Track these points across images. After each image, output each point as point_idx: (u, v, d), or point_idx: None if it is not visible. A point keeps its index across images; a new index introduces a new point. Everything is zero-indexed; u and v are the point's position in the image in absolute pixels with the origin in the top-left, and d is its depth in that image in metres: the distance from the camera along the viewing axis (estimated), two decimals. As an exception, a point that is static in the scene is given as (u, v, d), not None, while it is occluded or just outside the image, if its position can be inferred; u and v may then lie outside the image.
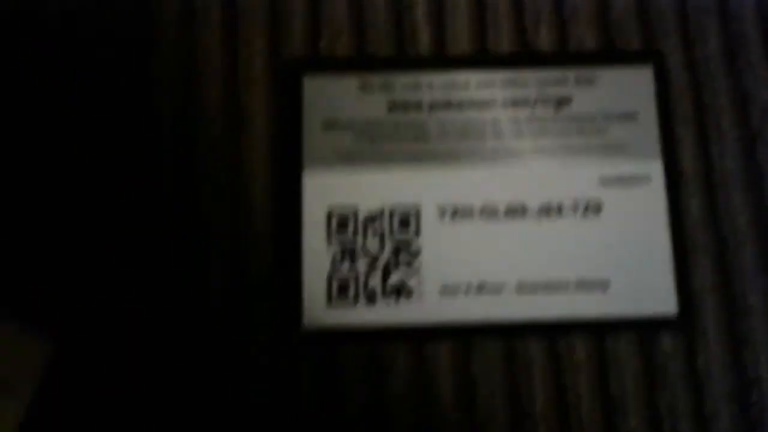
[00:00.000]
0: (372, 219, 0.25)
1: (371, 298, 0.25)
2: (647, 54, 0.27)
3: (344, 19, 0.27)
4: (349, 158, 0.26)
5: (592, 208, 0.26)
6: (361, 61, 0.27)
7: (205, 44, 0.27)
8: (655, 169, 0.26)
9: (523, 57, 0.27)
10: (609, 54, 0.27)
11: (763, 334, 0.25)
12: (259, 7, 0.27)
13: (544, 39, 0.27)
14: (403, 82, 0.27)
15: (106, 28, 0.27)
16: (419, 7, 0.28)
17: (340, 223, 0.25)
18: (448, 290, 0.25)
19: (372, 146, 0.26)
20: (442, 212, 0.26)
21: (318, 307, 0.25)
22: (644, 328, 0.25)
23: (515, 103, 0.27)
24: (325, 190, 0.26)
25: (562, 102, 0.27)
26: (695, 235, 0.26)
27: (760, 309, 0.25)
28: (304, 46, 0.27)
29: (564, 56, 0.27)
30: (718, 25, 0.28)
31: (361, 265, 0.25)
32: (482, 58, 0.27)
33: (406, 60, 0.27)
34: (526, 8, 0.28)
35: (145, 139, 0.26)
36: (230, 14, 0.27)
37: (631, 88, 0.27)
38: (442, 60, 0.27)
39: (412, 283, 0.25)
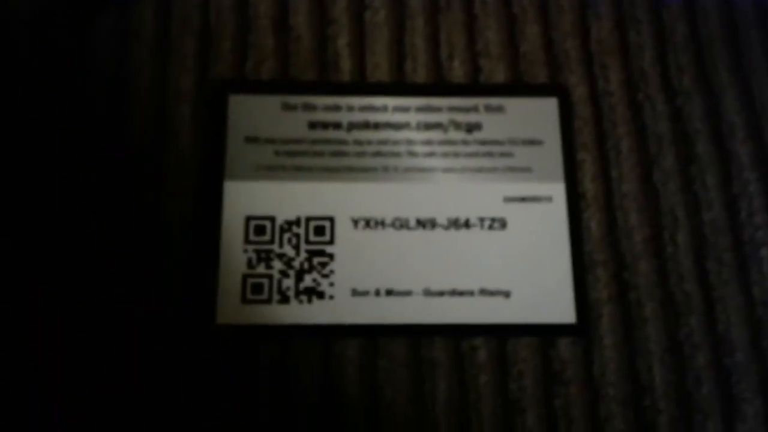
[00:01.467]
0: (288, 226, 0.36)
1: (284, 298, 0.35)
2: (553, 87, 0.39)
3: (270, 45, 0.39)
4: (269, 171, 0.36)
5: (498, 224, 0.36)
6: (285, 84, 0.38)
7: (138, 60, 0.38)
8: (557, 191, 0.37)
9: (438, 87, 0.39)
10: (518, 87, 0.39)
11: (656, 343, 0.35)
12: (190, 29, 0.39)
13: (458, 71, 0.39)
14: (324, 104, 0.38)
15: (41, 38, 0.38)
16: (342, 37, 0.39)
17: (257, 229, 0.35)
18: (358, 293, 0.35)
19: (291, 160, 0.37)
20: (355, 222, 0.36)
21: (232, 305, 0.34)
22: (543, 334, 0.35)
23: (429, 127, 0.38)
24: (245, 199, 0.36)
25: (472, 127, 0.38)
26: (595, 250, 0.37)
27: (654, 320, 0.36)
28: (231, 68, 0.38)
29: (475, 88, 0.39)
30: (620, 63, 0.40)
31: (276, 267, 0.35)
32: (399, 86, 0.39)
33: (327, 84, 0.38)
34: (441, 43, 0.40)
35: (77, 141, 0.36)
36: (163, 33, 0.38)
37: (537, 117, 0.38)
38: (362, 86, 0.39)
39: (324, 285, 0.35)
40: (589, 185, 0.37)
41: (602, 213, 0.37)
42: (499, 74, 0.38)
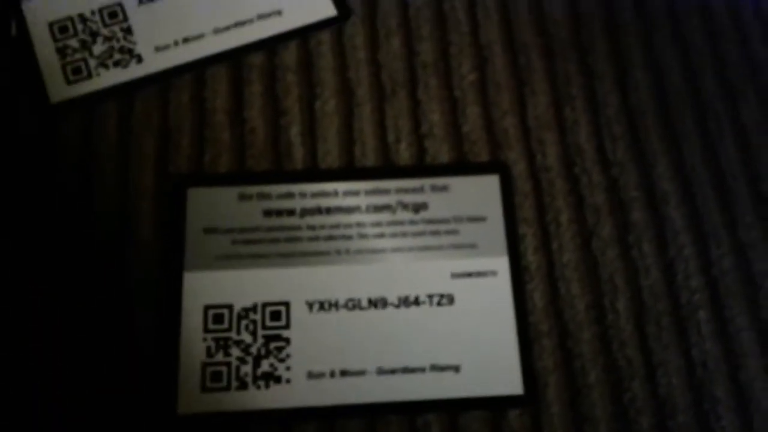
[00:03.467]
0: (246, 313, 0.35)
1: (243, 384, 0.34)
2: (494, 165, 0.38)
3: (226, 138, 0.38)
4: (227, 260, 0.36)
5: (446, 300, 0.36)
6: (241, 176, 0.38)
7: (100, 157, 0.37)
8: (501, 265, 0.36)
9: (385, 170, 0.38)
10: (460, 166, 0.38)
11: (601, 409, 0.34)
12: (150, 127, 0.38)
13: (405, 154, 0.39)
14: (277, 192, 0.37)
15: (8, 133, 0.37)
16: (294, 126, 0.39)
17: (215, 317, 0.35)
18: (314, 375, 0.34)
19: (248, 248, 0.36)
20: (310, 306, 0.35)
21: (192, 393, 0.33)
22: (493, 406, 0.34)
23: (378, 209, 0.37)
24: (204, 288, 0.35)
25: (419, 207, 0.37)
26: (539, 321, 0.36)
27: (599, 386, 0.35)
28: (189, 162, 0.38)
29: (420, 168, 0.38)
30: (557, 139, 0.39)
31: (235, 354, 0.34)
32: (349, 171, 0.38)
33: (280, 173, 0.38)
34: (388, 128, 0.39)
35: (42, 234, 0.35)
36: (125, 132, 0.38)
37: (480, 194, 0.38)
38: (313, 172, 0.38)
39: (281, 369, 0.34)
40: (532, 258, 0.36)
41: (545, 284, 0.36)
42: (444, 155, 0.38)
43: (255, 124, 0.38)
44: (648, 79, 0.40)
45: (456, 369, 0.34)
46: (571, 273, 0.36)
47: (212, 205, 0.36)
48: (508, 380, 0.34)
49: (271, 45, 0.39)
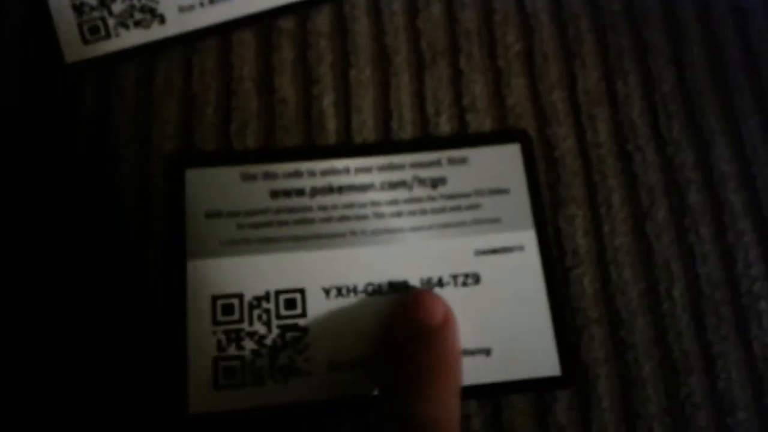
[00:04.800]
0: (257, 303, 0.31)
1: (259, 379, 0.30)
2: (513, 133, 0.34)
3: (254, 108, 0.35)
4: (233, 245, 0.32)
5: (471, 280, 0.32)
6: (241, 154, 0.33)
7: (118, 122, 0.34)
8: (528, 238, 0.32)
9: (396, 144, 0.34)
10: (477, 136, 0.34)
11: (655, 404, 0.30)
12: (172, 93, 0.34)
13: (445, 127, 0.35)
14: (284, 171, 0.33)
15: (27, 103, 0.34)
16: (327, 96, 0.35)
17: (225, 308, 0.31)
18: (335, 366, 0.30)
19: (256, 232, 0.32)
20: (326, 292, 0.31)
21: (204, 392, 0.29)
22: (529, 390, 0.30)
23: (393, 186, 0.33)
24: (210, 278, 0.31)
25: (437, 182, 0.33)
26: (589, 308, 0.32)
27: (653, 379, 0.31)
28: (214, 132, 0.34)
29: (437, 141, 0.34)
30: (608, 115, 0.35)
31: (248, 347, 0.30)
32: (359, 147, 0.34)
33: (281, 151, 0.33)
34: (427, 99, 0.35)
35: (50, 212, 0.32)
36: (144, 95, 0.34)
37: (501, 165, 0.33)
38: (322, 149, 0.34)
39: (299, 361, 0.30)
40: (581, 241, 0.32)
41: (595, 269, 0.32)
42: (487, 128, 0.34)
43: (285, 94, 0.34)
44: (705, 54, 0.36)
45: (486, 352, 0.30)
46: (624, 257, 0.32)
47: (213, 187, 0.32)
48: (544, 361, 0.30)
49: (302, 8, 0.36)
